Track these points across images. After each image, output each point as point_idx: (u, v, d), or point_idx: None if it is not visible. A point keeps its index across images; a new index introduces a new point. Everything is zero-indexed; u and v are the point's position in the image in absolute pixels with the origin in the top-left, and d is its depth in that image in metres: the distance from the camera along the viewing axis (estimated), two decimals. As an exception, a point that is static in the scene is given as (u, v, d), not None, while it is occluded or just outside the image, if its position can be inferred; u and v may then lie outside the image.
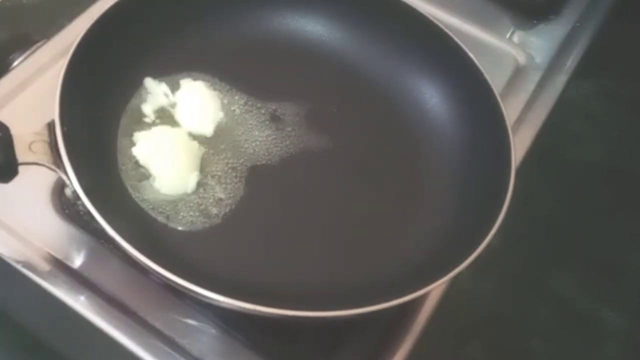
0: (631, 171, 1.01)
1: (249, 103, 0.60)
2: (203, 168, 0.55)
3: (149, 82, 0.58)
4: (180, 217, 0.53)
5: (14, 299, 0.61)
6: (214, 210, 0.54)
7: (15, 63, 0.63)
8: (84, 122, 0.51)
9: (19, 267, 0.53)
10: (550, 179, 0.96)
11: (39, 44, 0.65)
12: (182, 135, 0.57)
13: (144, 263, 0.44)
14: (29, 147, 0.48)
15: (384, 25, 0.63)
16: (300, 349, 0.52)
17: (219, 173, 0.56)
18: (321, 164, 0.58)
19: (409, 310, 0.55)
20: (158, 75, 0.59)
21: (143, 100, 0.58)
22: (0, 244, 0.53)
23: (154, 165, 0.54)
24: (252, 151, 0.57)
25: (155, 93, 0.58)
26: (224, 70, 0.61)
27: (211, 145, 0.57)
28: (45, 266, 0.53)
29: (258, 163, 0.57)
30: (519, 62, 0.75)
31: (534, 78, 0.73)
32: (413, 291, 0.46)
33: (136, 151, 0.54)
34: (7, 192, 0.55)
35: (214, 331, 0.52)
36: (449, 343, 0.80)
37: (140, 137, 0.55)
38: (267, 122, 0.59)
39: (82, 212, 0.55)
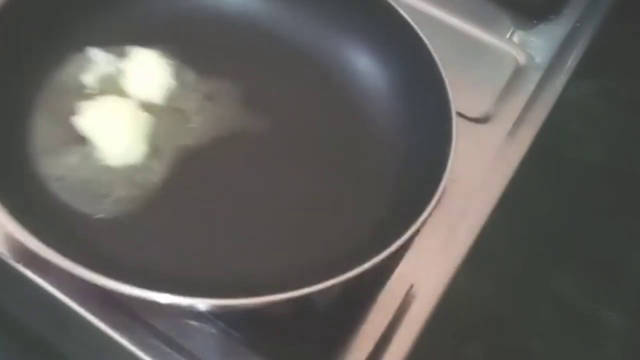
0: (631, 171, 1.01)
1: (185, 80, 0.59)
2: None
3: (94, 52, 0.57)
4: (102, 204, 0.51)
5: (14, 299, 0.61)
6: (143, 194, 0.52)
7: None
8: None
9: (19, 266, 0.52)
10: (550, 179, 0.96)
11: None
12: (131, 105, 0.55)
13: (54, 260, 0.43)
14: None
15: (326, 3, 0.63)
16: (300, 349, 0.52)
17: (156, 152, 0.55)
18: (259, 144, 0.58)
19: (408, 310, 0.55)
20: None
21: (82, 71, 0.56)
22: None
23: (100, 134, 0.52)
24: (191, 131, 0.57)
25: (100, 62, 0.57)
26: (161, 45, 0.60)
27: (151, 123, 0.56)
28: (44, 265, 0.53)
29: (195, 143, 0.56)
30: (519, 62, 0.75)
31: (534, 78, 0.73)
32: (355, 267, 0.46)
33: (80, 121, 0.53)
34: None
35: (214, 331, 0.52)
36: (448, 343, 0.80)
37: (85, 106, 0.54)
38: (204, 101, 0.58)
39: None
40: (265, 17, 0.64)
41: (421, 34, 0.58)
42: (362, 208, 0.55)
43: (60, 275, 0.52)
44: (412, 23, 0.59)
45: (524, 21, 0.80)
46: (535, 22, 0.80)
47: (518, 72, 0.74)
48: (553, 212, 0.95)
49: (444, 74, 0.56)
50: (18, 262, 0.53)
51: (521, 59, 0.75)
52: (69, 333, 0.58)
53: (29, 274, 0.52)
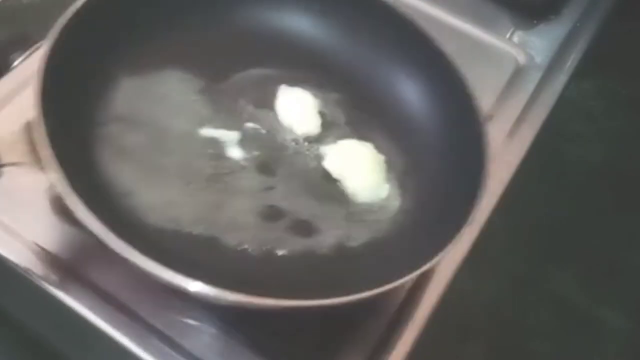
0: (631, 171, 1.01)
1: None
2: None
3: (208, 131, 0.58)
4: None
5: (14, 299, 0.61)
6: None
7: (15, 63, 0.63)
8: (64, 119, 0.50)
9: (18, 267, 0.53)
10: (550, 179, 0.96)
11: (39, 44, 0.65)
12: (370, 148, 0.58)
13: (149, 271, 0.44)
14: (11, 148, 0.47)
15: (358, 21, 0.64)
16: (300, 349, 0.52)
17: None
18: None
19: (408, 310, 0.55)
20: (136, 71, 0.59)
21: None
22: None
23: (349, 174, 0.57)
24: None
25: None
26: (199, 65, 0.61)
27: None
28: (44, 266, 0.53)
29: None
30: (519, 62, 0.75)
31: (534, 78, 0.73)
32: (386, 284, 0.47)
33: (328, 164, 0.57)
34: (7, 191, 0.55)
35: (214, 331, 0.52)
36: (449, 343, 0.80)
37: (329, 150, 0.58)
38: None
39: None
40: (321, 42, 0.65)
41: (458, 69, 0.59)
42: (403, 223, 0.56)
43: (59, 276, 0.52)
44: (452, 60, 0.60)
45: (524, 21, 0.80)
46: (535, 22, 0.80)
47: (518, 72, 0.74)
48: (553, 212, 0.95)
49: (478, 106, 0.58)
50: (17, 262, 0.53)
51: (521, 59, 0.75)
52: (69, 333, 0.58)
53: (27, 274, 0.52)
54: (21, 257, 0.53)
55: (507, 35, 0.78)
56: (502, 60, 0.75)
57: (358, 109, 0.62)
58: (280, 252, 0.52)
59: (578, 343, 0.89)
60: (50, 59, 0.51)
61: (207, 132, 0.58)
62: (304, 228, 0.54)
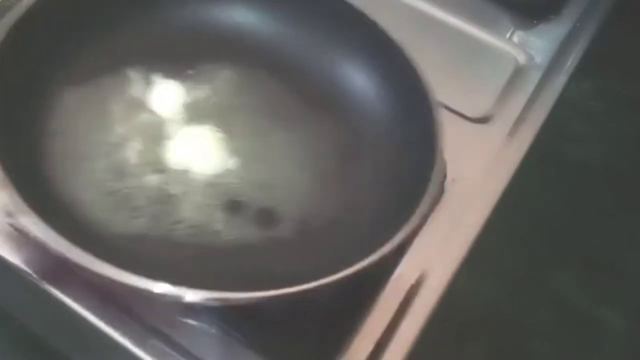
0: (631, 171, 1.01)
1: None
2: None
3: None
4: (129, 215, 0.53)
5: (13, 299, 0.61)
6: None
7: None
8: (13, 133, 0.51)
9: (18, 267, 0.53)
10: (550, 179, 0.96)
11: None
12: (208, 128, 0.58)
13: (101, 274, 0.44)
14: None
15: (306, 12, 0.64)
16: (300, 349, 0.52)
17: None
18: (260, 144, 0.59)
19: (408, 310, 0.55)
20: (79, 79, 0.58)
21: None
22: None
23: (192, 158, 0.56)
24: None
25: None
26: (147, 65, 0.61)
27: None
28: (44, 267, 0.53)
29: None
30: (519, 62, 0.75)
31: (534, 78, 0.73)
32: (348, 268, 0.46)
33: (169, 154, 0.56)
34: (7, 192, 0.55)
35: (214, 331, 0.52)
36: (449, 343, 0.80)
37: (169, 143, 0.57)
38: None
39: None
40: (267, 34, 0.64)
41: (397, 42, 0.59)
42: (360, 209, 0.56)
43: (59, 275, 0.52)
44: (387, 31, 0.59)
45: (524, 21, 0.80)
46: (535, 22, 0.80)
47: (518, 72, 0.74)
48: (553, 212, 0.95)
49: (420, 73, 0.57)
50: (17, 262, 0.53)
51: (521, 59, 0.75)
52: (69, 333, 0.58)
53: (27, 274, 0.52)
54: (19, 256, 0.53)
55: (507, 35, 0.78)
56: (502, 60, 0.75)
57: (305, 97, 0.62)
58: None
59: (578, 343, 0.89)
60: None
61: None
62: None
